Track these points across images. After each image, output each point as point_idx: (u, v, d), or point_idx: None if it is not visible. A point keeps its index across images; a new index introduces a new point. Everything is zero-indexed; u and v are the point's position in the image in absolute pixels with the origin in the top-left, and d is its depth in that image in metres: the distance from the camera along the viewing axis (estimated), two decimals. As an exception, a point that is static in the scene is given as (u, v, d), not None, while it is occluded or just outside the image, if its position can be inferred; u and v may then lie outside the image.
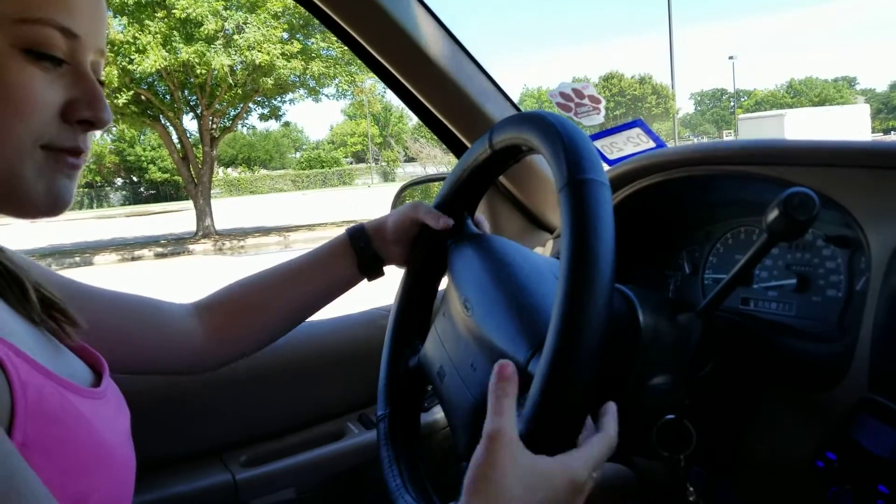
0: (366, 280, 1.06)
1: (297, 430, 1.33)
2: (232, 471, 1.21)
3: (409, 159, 47.40)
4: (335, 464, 1.29)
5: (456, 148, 1.43)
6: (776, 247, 0.95)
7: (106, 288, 0.93)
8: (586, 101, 1.24)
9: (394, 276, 1.10)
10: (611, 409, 0.68)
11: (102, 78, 0.73)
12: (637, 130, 1.20)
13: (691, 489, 0.84)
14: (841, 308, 0.88)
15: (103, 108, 0.67)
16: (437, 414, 1.36)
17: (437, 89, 1.30)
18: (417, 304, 1.07)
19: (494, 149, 0.90)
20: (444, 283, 1.06)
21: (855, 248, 0.87)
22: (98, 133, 0.71)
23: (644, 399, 0.79)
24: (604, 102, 1.24)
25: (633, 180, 1.09)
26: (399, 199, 1.73)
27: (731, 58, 53.92)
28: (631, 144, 1.20)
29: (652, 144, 1.21)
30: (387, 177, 48.28)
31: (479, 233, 1.01)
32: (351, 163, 56.51)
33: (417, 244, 1.04)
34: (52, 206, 0.66)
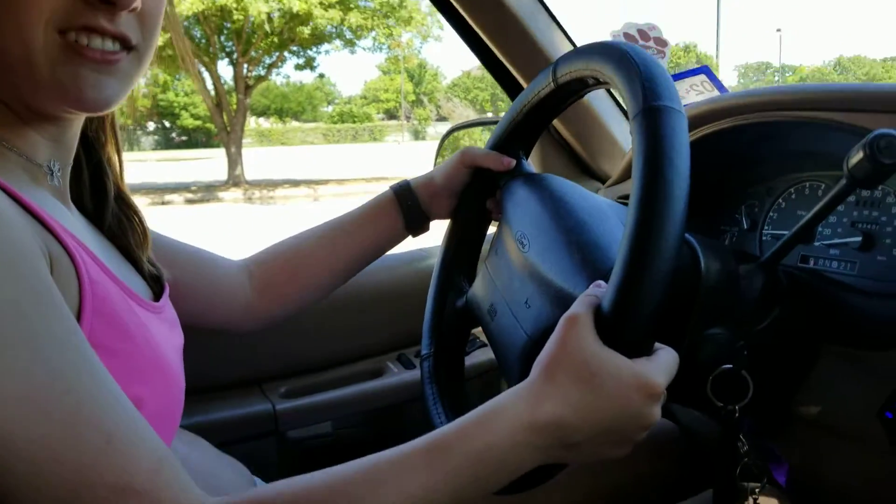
0: (410, 237, 1.06)
1: (336, 366, 1.34)
2: (272, 401, 1.22)
3: (441, 118, 47.22)
4: (373, 400, 1.29)
5: (512, 89, 1.39)
6: (842, 203, 0.92)
7: (166, 235, 0.93)
8: (651, 43, 1.20)
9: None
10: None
11: None
12: (702, 77, 1.16)
13: (743, 440, 0.82)
14: None
15: None
16: (478, 358, 1.36)
17: (499, 25, 1.26)
18: (465, 247, 1.06)
19: (558, 83, 0.87)
20: (493, 226, 1.05)
21: None
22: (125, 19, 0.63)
23: (702, 348, 0.78)
24: (670, 46, 1.19)
25: (698, 126, 1.05)
26: (445, 141, 1.72)
27: (778, 30, 52.74)
28: (694, 93, 1.16)
29: (716, 94, 1.17)
30: (417, 135, 48.12)
31: (534, 172, 0.99)
32: (383, 119, 56.33)
33: (466, 190, 1.03)
34: (78, 100, 0.61)
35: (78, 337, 0.50)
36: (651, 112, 0.64)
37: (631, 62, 0.69)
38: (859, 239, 0.91)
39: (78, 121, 0.68)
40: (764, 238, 1.05)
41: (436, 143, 1.77)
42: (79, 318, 0.55)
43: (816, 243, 0.97)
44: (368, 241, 1.03)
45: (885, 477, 0.83)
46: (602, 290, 0.64)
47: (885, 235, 0.89)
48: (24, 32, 0.58)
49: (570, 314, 0.62)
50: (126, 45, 0.64)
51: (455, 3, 1.24)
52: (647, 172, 0.61)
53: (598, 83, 0.83)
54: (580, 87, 0.87)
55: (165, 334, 0.71)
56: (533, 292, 0.81)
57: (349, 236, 1.02)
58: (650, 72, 0.68)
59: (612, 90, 1.40)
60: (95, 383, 0.50)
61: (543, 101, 0.92)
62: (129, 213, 0.77)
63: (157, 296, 0.76)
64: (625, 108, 1.41)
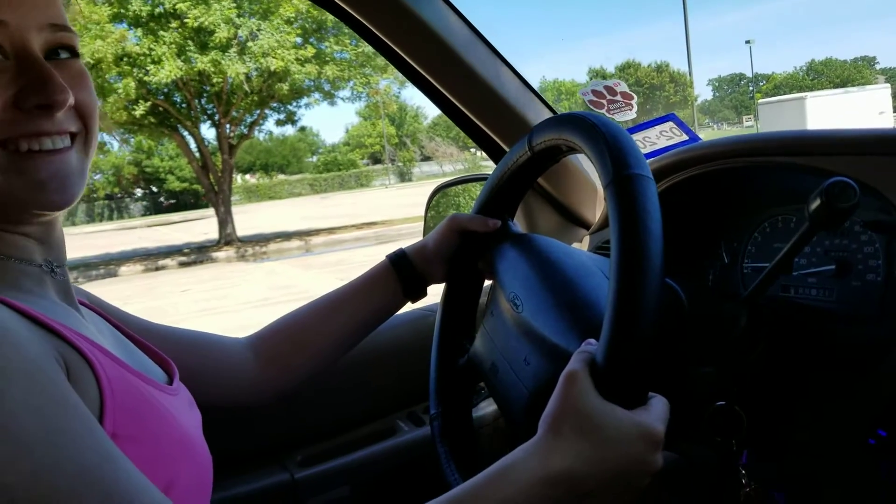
0: (409, 302, 1.10)
1: (349, 429, 1.37)
2: (290, 470, 1.25)
3: (425, 158, 47.51)
4: (388, 461, 1.32)
5: (492, 150, 1.45)
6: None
7: (164, 324, 0.98)
8: (619, 97, 1.26)
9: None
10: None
11: (80, 51, 0.72)
12: (670, 124, 1.23)
13: (743, 472, 0.86)
14: (881, 291, 0.90)
15: (55, 89, 0.65)
16: (485, 409, 1.40)
17: (473, 95, 1.33)
18: (462, 308, 1.10)
19: (534, 151, 0.93)
20: (487, 283, 1.09)
21: (892, 233, 0.89)
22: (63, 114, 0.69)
23: (694, 387, 0.82)
24: (636, 99, 1.26)
25: (670, 174, 1.11)
26: (432, 201, 1.77)
27: (747, 42, 53.45)
28: (664, 138, 1.23)
29: (685, 137, 1.23)
30: (403, 176, 48.42)
31: (521, 233, 1.04)
32: (368, 164, 56.71)
33: (457, 254, 1.07)
34: (44, 204, 0.66)
35: (99, 435, 0.54)
36: (622, 181, 0.70)
37: (598, 134, 0.75)
38: (833, 267, 0.96)
39: (57, 219, 0.73)
40: (745, 271, 1.10)
41: (422, 183, 1.81)
42: (102, 414, 0.58)
43: (795, 273, 1.02)
44: (369, 310, 1.06)
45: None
46: (594, 347, 0.69)
47: (856, 262, 0.94)
48: None
49: (569, 372, 0.66)
50: (71, 138, 0.69)
51: (432, 80, 1.30)
52: (624, 238, 0.67)
53: (572, 150, 0.88)
54: (555, 153, 0.92)
55: (186, 414, 0.75)
56: (530, 350, 0.85)
57: (350, 307, 1.06)
58: (617, 142, 0.73)
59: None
60: (122, 476, 0.53)
61: (522, 168, 0.98)
62: None
63: (169, 377, 0.80)
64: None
